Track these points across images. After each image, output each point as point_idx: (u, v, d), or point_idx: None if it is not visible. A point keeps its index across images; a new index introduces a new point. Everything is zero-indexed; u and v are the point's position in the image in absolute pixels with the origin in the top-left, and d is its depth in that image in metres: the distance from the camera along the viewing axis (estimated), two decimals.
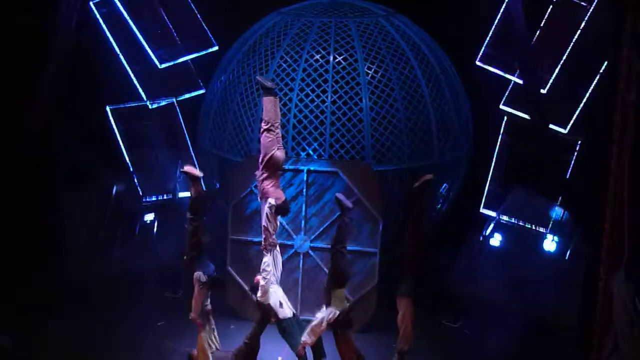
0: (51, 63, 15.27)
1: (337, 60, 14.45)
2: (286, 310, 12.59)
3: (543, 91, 15.58)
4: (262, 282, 12.25)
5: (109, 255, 16.14)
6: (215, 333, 13.07)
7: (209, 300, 12.89)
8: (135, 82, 16.61)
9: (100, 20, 16.18)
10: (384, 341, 13.60)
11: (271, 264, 12.31)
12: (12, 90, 15.41)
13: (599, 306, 10.30)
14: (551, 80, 15.57)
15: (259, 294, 12.32)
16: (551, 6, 15.73)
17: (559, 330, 13.45)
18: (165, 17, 16.65)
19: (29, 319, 14.03)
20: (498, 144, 16.32)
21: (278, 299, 12.50)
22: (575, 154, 15.77)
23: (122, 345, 13.54)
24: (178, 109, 16.93)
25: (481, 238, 16.12)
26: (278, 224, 12.58)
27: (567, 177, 15.77)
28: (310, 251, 14.16)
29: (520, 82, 15.88)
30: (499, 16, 15.94)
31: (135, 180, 16.74)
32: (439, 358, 13.45)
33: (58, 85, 15.44)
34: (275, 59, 14.63)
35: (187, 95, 17.07)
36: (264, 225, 12.28)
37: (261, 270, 12.32)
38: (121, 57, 16.36)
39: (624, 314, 9.38)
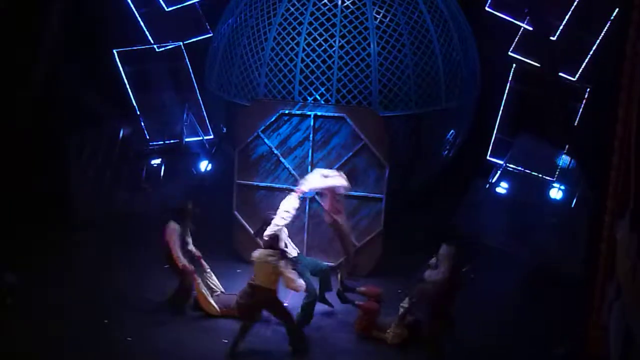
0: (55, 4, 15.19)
1: (345, 4, 14.34)
2: (291, 250, 12.69)
3: (553, 38, 15.46)
4: (278, 222, 12.20)
5: (115, 198, 16.19)
6: (214, 277, 13.17)
7: (191, 247, 12.98)
8: (143, 25, 16.52)
9: None
10: (389, 285, 13.71)
11: (291, 211, 12.38)
12: (18, 34, 15.32)
13: (602, 254, 10.35)
14: (561, 27, 15.44)
15: (267, 230, 12.30)
16: None
17: (563, 278, 13.50)
18: None
19: (35, 259, 14.14)
20: (506, 91, 16.25)
21: (284, 240, 12.60)
22: (584, 101, 15.70)
23: (126, 286, 13.64)
24: (185, 53, 16.86)
25: (487, 185, 16.13)
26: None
27: (575, 124, 15.72)
28: (316, 196, 14.19)
29: (530, 28, 15.75)
30: None
31: (142, 124, 16.76)
32: None
33: (63, 28, 15.37)
34: (283, 2, 14.51)
35: (194, 39, 16.99)
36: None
37: (282, 211, 12.29)
38: None
39: (627, 262, 9.42)
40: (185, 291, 12.93)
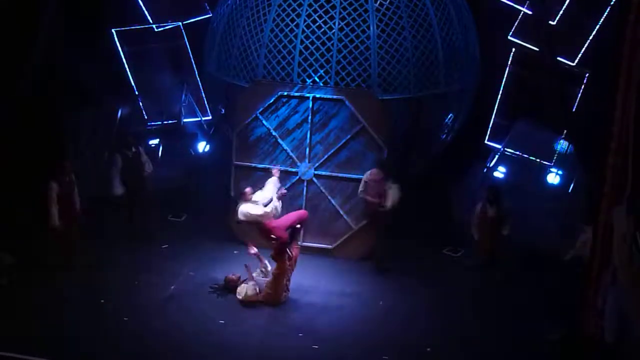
0: None
1: None
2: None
3: (552, 22, 15.44)
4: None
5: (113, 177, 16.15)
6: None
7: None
8: (142, 4, 16.46)
9: None
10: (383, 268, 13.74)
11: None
12: (17, 14, 15.24)
13: (599, 240, 10.37)
14: (561, 12, 15.42)
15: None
16: None
17: (559, 263, 13.52)
18: None
19: (33, 240, 14.11)
20: (505, 75, 16.22)
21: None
22: (582, 86, 15.69)
23: (126, 265, 13.66)
24: (184, 33, 16.80)
25: (485, 170, 16.14)
26: None
27: (573, 109, 15.71)
28: (314, 178, 14.19)
29: (530, 12, 15.72)
30: None
31: (140, 104, 16.72)
32: (439, 286, 13.54)
33: (63, 7, 15.31)
34: None
35: (193, 19, 16.92)
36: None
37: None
38: None
39: (624, 248, 9.46)
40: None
